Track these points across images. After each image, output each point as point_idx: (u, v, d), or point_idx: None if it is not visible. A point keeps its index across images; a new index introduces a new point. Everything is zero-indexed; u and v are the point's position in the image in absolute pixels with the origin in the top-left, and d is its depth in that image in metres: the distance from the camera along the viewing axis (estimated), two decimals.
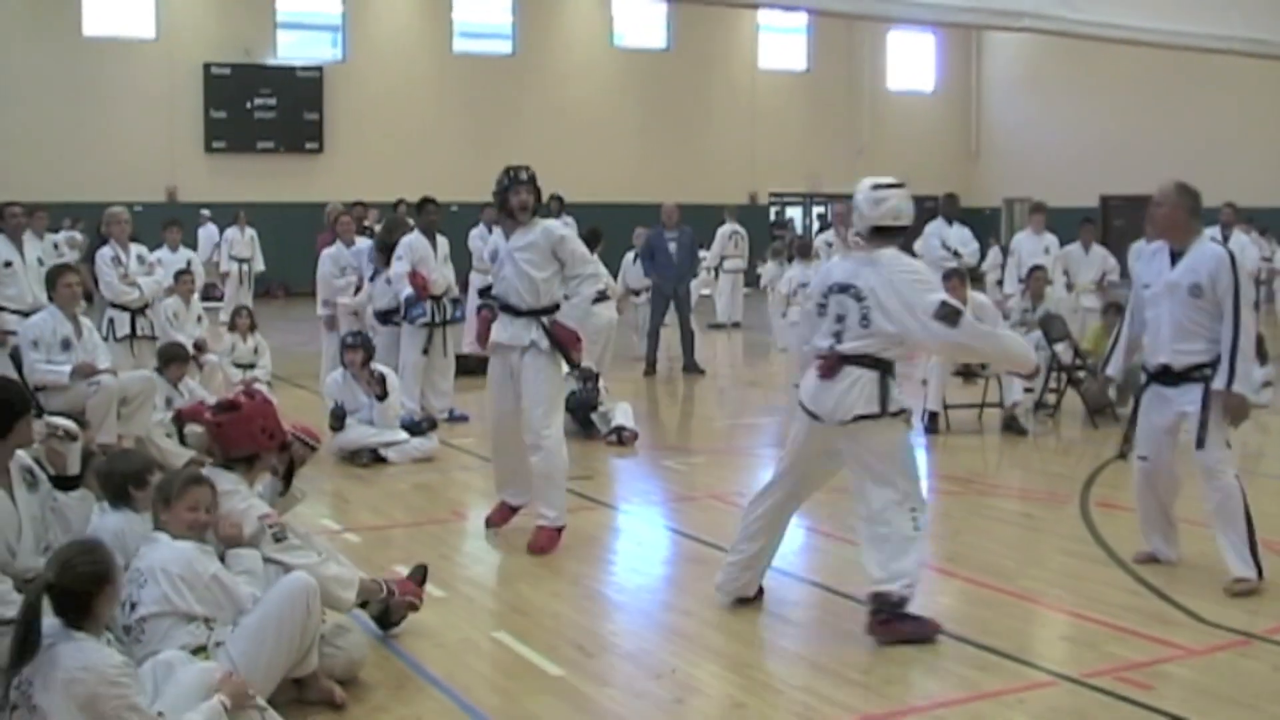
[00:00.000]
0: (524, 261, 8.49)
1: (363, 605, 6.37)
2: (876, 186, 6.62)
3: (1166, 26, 9.45)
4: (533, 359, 8.48)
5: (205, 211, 25.91)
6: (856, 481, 6.65)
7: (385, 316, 13.38)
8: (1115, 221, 30.73)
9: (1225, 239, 17.11)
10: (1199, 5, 9.17)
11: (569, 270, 8.61)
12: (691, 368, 17.84)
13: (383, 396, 11.50)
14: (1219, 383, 7.15)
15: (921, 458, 12.13)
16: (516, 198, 8.49)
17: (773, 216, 37.48)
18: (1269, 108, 29.07)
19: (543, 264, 8.52)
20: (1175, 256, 7.38)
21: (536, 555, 8.30)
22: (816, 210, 38.41)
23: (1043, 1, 8.55)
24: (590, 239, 14.08)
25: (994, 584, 7.58)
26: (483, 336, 8.79)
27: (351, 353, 11.69)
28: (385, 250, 13.28)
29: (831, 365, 6.49)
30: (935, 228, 16.58)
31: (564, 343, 8.61)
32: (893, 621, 6.44)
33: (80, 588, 4.61)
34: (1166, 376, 7.40)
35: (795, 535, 9.27)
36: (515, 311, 8.54)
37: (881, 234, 6.56)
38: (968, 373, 13.11)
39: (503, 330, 8.61)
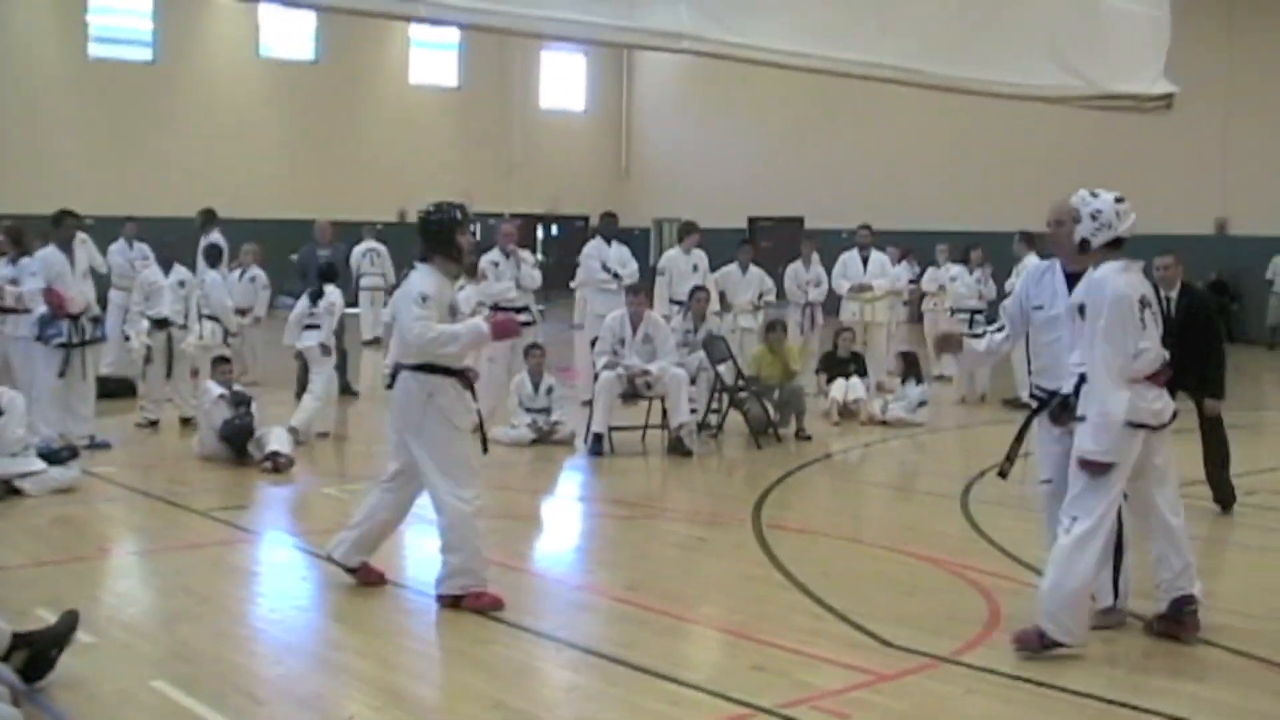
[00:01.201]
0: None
1: (4, 657, 5.77)
2: (1120, 200, 6.69)
3: (822, 52, 9.51)
4: None
5: None
6: (1150, 493, 6.78)
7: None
8: (762, 243, 31.48)
9: (865, 260, 17.60)
10: (853, 33, 9.26)
11: None
12: (345, 389, 17.29)
13: None
14: None
15: (587, 482, 12.02)
16: (467, 238, 7.62)
17: None
18: (916, 134, 30.17)
19: None
20: (1071, 278, 7.06)
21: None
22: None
23: (701, 24, 8.43)
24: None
25: (677, 612, 7.42)
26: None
27: None
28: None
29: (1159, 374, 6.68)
30: (595, 248, 16.43)
31: None
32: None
33: None
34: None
35: None
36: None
37: (1113, 246, 6.67)
38: (632, 394, 13.03)
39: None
